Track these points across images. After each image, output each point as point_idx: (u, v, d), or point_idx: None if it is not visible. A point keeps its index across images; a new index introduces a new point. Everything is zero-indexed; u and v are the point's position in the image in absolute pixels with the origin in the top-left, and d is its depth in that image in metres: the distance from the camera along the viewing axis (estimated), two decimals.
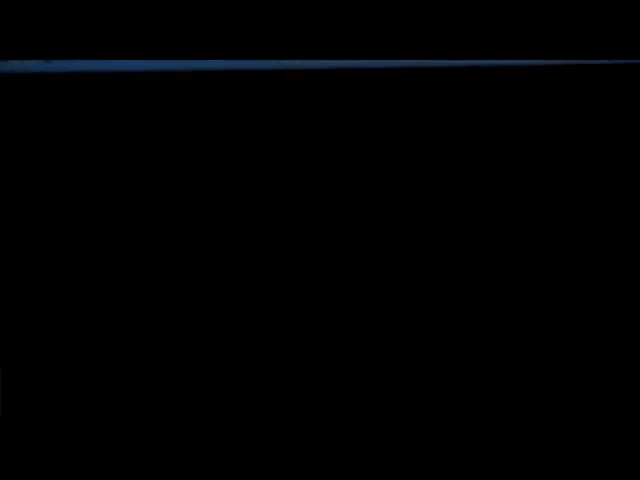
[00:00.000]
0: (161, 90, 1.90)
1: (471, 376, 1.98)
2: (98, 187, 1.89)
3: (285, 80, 1.90)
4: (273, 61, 1.90)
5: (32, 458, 1.90)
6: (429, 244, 1.96)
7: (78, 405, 1.92)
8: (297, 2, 1.85)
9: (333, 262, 1.94)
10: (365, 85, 1.91)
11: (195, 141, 1.91)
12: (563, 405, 1.99)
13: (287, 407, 1.95)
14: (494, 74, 1.94)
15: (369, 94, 1.91)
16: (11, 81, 1.84)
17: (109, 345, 1.92)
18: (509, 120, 1.96)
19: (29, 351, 1.91)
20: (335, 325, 1.96)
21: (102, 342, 1.92)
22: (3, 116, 1.84)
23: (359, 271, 1.95)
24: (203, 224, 1.92)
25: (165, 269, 1.92)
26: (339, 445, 1.96)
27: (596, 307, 2.00)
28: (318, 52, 1.90)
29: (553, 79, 1.96)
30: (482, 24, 1.93)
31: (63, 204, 1.88)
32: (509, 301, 1.98)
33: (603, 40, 1.95)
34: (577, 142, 1.97)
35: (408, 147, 1.92)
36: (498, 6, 1.92)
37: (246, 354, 1.95)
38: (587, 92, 1.97)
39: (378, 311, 1.96)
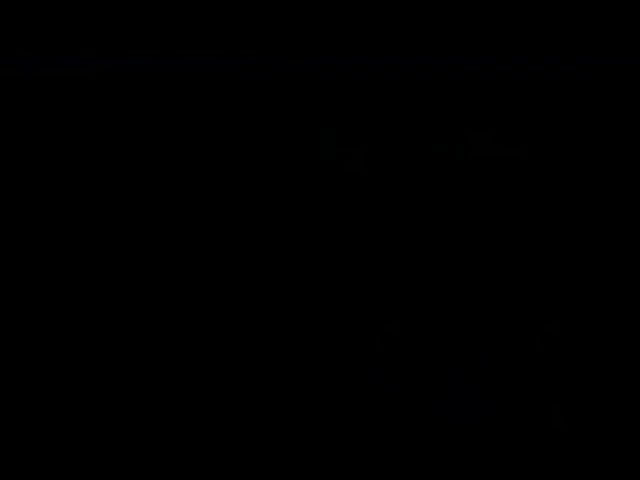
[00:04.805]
0: (160, 89, 1.90)
1: (470, 373, 1.98)
2: (98, 185, 1.90)
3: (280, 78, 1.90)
4: (270, 61, 1.90)
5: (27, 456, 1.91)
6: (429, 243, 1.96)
7: (77, 404, 1.92)
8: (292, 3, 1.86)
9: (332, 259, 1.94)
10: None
11: (195, 139, 1.91)
12: (563, 404, 1.99)
13: (286, 405, 1.96)
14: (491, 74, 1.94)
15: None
16: (11, 81, 1.85)
17: (108, 344, 1.93)
18: (508, 120, 1.96)
19: (26, 349, 1.91)
20: (333, 323, 1.96)
21: (101, 341, 1.93)
22: (3, 116, 1.85)
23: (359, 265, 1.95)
24: (201, 222, 1.92)
25: (162, 268, 1.92)
26: (337, 444, 1.96)
27: (595, 300, 1.99)
28: (315, 52, 1.90)
29: (551, 79, 1.95)
30: (482, 24, 1.93)
31: (62, 203, 1.89)
32: (509, 300, 1.98)
33: (603, 40, 1.94)
34: (574, 142, 1.97)
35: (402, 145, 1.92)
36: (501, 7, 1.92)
37: (245, 354, 1.95)
38: (586, 92, 1.96)
39: (377, 309, 1.96)
